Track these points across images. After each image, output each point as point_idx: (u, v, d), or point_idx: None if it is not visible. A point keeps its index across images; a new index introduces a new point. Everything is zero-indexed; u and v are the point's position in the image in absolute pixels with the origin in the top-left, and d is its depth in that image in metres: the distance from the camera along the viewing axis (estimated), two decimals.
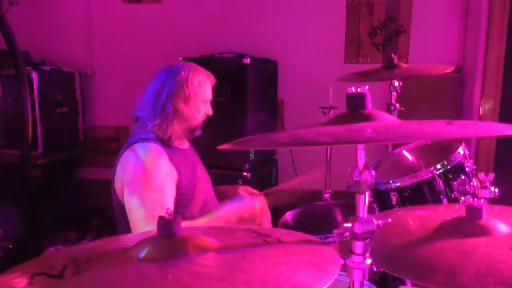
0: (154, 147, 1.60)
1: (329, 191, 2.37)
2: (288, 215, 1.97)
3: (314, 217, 2.02)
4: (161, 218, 0.74)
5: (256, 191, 1.91)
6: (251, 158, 2.75)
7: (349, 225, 0.82)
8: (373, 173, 0.81)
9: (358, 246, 0.83)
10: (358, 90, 0.77)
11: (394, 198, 1.61)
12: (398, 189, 1.62)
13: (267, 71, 2.94)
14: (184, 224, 1.49)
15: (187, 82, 1.66)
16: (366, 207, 0.84)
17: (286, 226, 1.89)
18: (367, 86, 0.78)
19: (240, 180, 2.45)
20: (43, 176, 3.00)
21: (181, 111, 1.65)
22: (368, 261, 0.84)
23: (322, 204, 2.15)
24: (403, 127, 0.70)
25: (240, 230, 0.88)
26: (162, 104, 1.64)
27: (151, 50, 3.31)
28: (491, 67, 2.63)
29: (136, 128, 1.71)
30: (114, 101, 3.44)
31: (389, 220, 0.83)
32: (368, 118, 0.76)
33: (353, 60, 3.11)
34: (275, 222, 2.15)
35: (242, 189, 1.91)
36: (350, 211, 2.02)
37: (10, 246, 1.76)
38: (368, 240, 0.83)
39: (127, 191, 1.58)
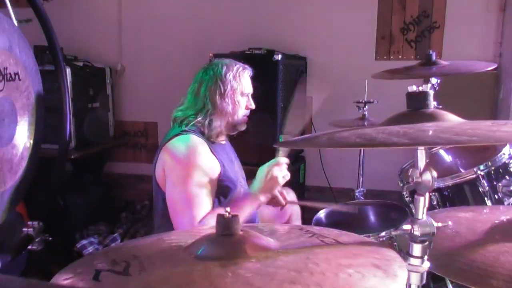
0: (196, 139, 1.62)
1: (362, 189, 2.34)
2: (321, 213, 1.95)
3: (347, 215, 1.99)
4: (220, 217, 0.74)
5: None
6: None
7: (408, 227, 0.80)
8: (435, 175, 0.79)
9: (416, 248, 0.81)
10: (420, 88, 0.75)
11: (434, 198, 1.58)
12: (438, 189, 1.59)
13: (297, 68, 2.92)
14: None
15: (221, 77, 1.68)
16: (426, 209, 0.82)
17: (319, 224, 1.88)
18: (430, 83, 0.75)
19: None
20: (74, 170, 3.06)
21: (220, 106, 1.66)
22: (427, 264, 0.82)
23: (355, 202, 2.11)
24: (473, 129, 0.67)
25: (293, 229, 0.87)
26: (201, 101, 1.66)
27: (181, 46, 3.33)
28: None
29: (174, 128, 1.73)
30: (143, 97, 3.48)
31: (450, 223, 0.81)
32: (430, 118, 0.73)
33: (385, 57, 3.05)
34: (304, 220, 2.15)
35: None
36: (383, 210, 2.00)
37: (50, 239, 1.80)
38: (426, 243, 0.81)
39: (168, 182, 1.60)
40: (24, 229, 1.63)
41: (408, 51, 3.00)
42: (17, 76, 1.49)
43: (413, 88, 0.77)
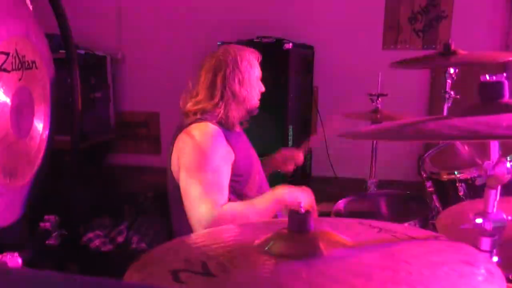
0: (211, 127, 1.58)
1: (374, 180, 2.33)
2: (340, 204, 1.93)
3: (365, 206, 1.98)
4: (293, 213, 0.70)
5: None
6: (290, 146, 2.71)
7: (480, 220, 0.78)
8: (510, 167, 0.77)
9: (486, 242, 0.79)
10: (494, 78, 0.72)
11: (461, 189, 1.57)
12: (465, 180, 1.58)
13: (305, 57, 2.88)
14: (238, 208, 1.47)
15: (238, 63, 1.63)
16: (496, 203, 0.80)
17: (338, 214, 1.86)
18: (504, 74, 0.72)
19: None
20: (76, 162, 2.98)
21: (239, 93, 1.63)
22: (495, 259, 0.80)
23: (373, 193, 2.10)
24: None
25: (352, 223, 0.84)
26: (219, 90, 1.61)
27: (184, 34, 3.25)
28: None
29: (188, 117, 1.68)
30: (144, 86, 3.40)
31: None
32: (507, 109, 0.71)
33: (391, 46, 3.03)
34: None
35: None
36: (401, 201, 1.99)
37: (67, 233, 1.75)
38: (496, 236, 0.79)
39: (183, 171, 1.56)
40: (41, 223, 1.58)
41: (416, 41, 2.99)
42: (34, 65, 1.42)
43: (487, 77, 0.75)
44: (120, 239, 2.65)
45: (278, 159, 2.12)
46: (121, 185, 3.43)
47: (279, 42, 2.65)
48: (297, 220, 0.70)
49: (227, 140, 1.60)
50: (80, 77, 2.88)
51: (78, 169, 3.05)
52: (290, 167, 2.13)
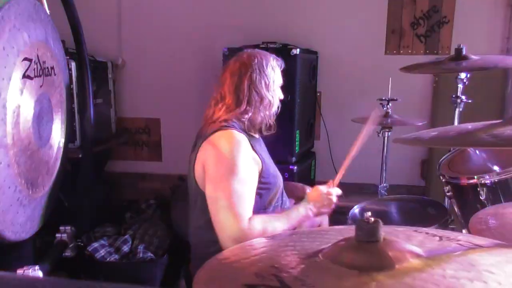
0: (238, 135, 1.55)
1: (385, 185, 2.33)
2: (356, 209, 1.93)
3: (380, 211, 1.98)
4: (361, 222, 0.69)
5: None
6: (296, 152, 2.70)
7: None
8: None
9: None
10: None
11: (483, 193, 1.58)
12: (485, 185, 1.59)
13: (310, 62, 2.88)
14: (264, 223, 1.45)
15: (264, 67, 1.62)
16: None
17: (355, 220, 1.85)
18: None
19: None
20: (77, 170, 2.92)
21: (265, 98, 1.61)
22: None
23: (387, 198, 2.10)
24: None
25: (412, 232, 0.83)
26: (245, 94, 1.58)
27: (186, 40, 3.23)
28: None
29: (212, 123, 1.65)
30: (145, 92, 3.36)
31: None
32: None
33: (394, 51, 3.06)
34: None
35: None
36: (418, 206, 1.99)
37: (82, 244, 1.70)
38: None
39: (211, 182, 1.52)
40: (57, 234, 1.53)
41: (418, 46, 3.02)
42: (53, 71, 1.38)
43: None
44: (125, 248, 2.59)
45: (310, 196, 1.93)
46: (122, 192, 3.37)
47: (285, 47, 2.64)
48: (367, 230, 0.68)
49: (253, 147, 1.58)
50: (82, 83, 2.82)
51: (81, 177, 2.99)
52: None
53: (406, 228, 0.85)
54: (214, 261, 0.75)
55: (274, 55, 1.71)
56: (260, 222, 1.46)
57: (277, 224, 1.48)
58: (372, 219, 0.69)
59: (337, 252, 0.68)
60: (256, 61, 1.62)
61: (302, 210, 1.62)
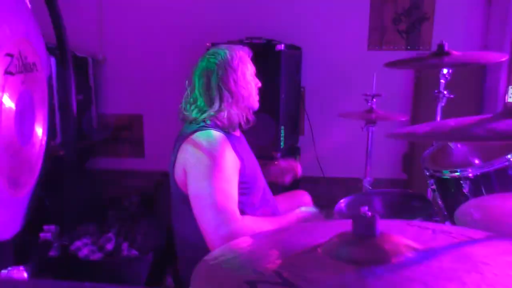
0: (218, 135, 1.54)
1: (369, 179, 2.36)
2: (341, 204, 1.94)
3: (367, 205, 2.00)
4: (359, 217, 0.69)
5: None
6: (281, 147, 2.70)
7: None
8: None
9: None
10: None
11: (466, 186, 1.61)
12: (468, 178, 1.62)
13: (294, 58, 2.88)
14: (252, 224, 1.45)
15: (229, 62, 1.59)
16: None
17: (341, 214, 1.87)
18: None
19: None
20: (58, 167, 2.85)
21: (236, 93, 1.58)
22: None
23: (372, 192, 2.13)
24: None
25: (405, 225, 0.84)
26: (216, 94, 1.56)
27: (169, 35, 3.18)
28: None
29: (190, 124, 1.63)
30: (127, 88, 3.31)
31: None
32: None
33: (376, 47, 3.09)
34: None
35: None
36: (402, 200, 2.02)
37: (67, 244, 1.66)
38: None
39: (193, 182, 1.50)
40: (42, 234, 1.49)
41: (400, 42, 3.06)
42: (34, 67, 1.34)
43: None
44: (109, 246, 2.55)
45: (275, 171, 2.07)
46: (104, 190, 3.31)
47: (270, 43, 2.64)
48: (364, 224, 0.69)
49: (233, 146, 1.57)
50: (62, 79, 2.75)
51: (59, 175, 2.92)
52: (288, 179, 2.09)
53: (398, 222, 0.86)
54: (207, 261, 0.74)
55: (239, 46, 1.69)
56: (251, 222, 1.45)
57: (268, 226, 1.47)
58: (369, 213, 0.70)
59: (335, 247, 0.69)
60: (220, 57, 1.60)
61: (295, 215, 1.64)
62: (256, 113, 1.75)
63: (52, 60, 2.54)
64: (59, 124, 2.71)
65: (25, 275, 1.24)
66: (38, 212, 2.61)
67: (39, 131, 1.41)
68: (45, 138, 1.46)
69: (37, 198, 1.50)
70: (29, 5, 1.36)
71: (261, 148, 2.65)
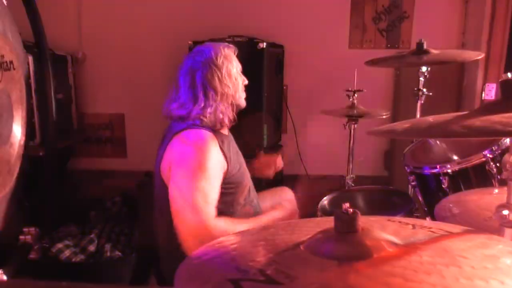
0: (205, 134, 1.54)
1: (352, 176, 2.39)
2: (325, 200, 1.96)
3: (349, 202, 2.02)
4: (340, 213, 0.70)
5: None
6: (264, 146, 2.71)
7: (507, 212, 0.82)
8: None
9: (508, 233, 0.83)
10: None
11: (445, 181, 1.65)
12: (447, 174, 1.66)
13: (277, 56, 2.89)
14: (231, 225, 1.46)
15: (214, 60, 1.60)
16: None
17: (324, 211, 1.89)
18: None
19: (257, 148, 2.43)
20: (38, 168, 2.80)
21: (221, 91, 1.59)
22: None
23: (354, 189, 2.15)
24: None
25: (385, 221, 0.85)
26: (201, 92, 1.57)
27: (150, 33, 3.15)
28: (495, 52, 2.74)
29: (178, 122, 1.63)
30: (108, 87, 3.26)
31: None
32: None
33: (358, 46, 3.12)
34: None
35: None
36: (383, 196, 2.05)
37: (47, 246, 1.63)
38: None
39: (174, 177, 1.50)
40: (21, 236, 1.46)
41: (380, 40, 3.10)
42: (12, 65, 1.31)
43: (509, 75, 0.79)
44: (91, 248, 2.52)
45: (257, 165, 2.09)
46: (85, 190, 3.27)
47: (252, 41, 2.64)
48: (346, 221, 0.70)
49: (221, 147, 1.57)
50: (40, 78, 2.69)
51: (39, 175, 2.87)
52: (270, 173, 2.12)
53: (379, 218, 0.87)
54: (191, 260, 0.74)
55: (225, 43, 1.70)
56: (224, 224, 1.46)
57: (241, 228, 1.48)
58: (351, 210, 0.71)
59: (317, 244, 0.69)
60: (205, 55, 1.61)
61: (275, 214, 1.66)
62: (239, 111, 1.76)
63: (30, 58, 2.50)
64: (38, 124, 2.66)
65: (4, 278, 1.22)
66: (18, 214, 2.56)
67: (18, 131, 1.39)
68: (24, 138, 1.43)
69: (17, 199, 1.47)
70: (5, 2, 1.33)
71: (244, 146, 2.66)
